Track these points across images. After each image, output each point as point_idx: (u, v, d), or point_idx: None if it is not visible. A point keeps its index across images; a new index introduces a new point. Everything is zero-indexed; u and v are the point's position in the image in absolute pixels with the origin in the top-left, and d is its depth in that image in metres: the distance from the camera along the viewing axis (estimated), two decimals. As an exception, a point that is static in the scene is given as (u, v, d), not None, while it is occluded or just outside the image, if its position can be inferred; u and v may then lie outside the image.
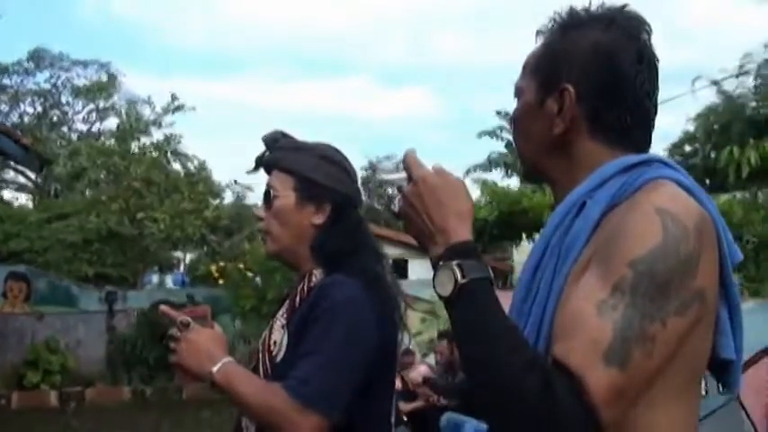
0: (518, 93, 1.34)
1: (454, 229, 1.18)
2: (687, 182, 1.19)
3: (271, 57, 55.78)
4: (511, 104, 1.35)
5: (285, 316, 1.87)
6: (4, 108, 29.00)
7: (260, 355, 1.86)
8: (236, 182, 16.71)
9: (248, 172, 2.00)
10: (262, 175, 2.02)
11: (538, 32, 1.33)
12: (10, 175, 26.55)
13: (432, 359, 8.34)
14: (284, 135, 1.99)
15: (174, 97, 15.70)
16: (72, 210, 15.69)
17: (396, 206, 1.26)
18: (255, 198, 17.82)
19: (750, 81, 21.15)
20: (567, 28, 1.29)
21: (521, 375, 1.01)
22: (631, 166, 1.19)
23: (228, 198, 18.38)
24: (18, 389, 10.50)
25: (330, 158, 1.96)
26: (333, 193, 1.91)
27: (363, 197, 2.09)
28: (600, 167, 1.21)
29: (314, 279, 1.87)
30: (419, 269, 17.99)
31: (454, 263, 1.13)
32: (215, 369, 1.69)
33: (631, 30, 1.26)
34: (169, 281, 22.38)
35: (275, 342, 1.83)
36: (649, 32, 1.27)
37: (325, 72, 56.22)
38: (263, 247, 2.02)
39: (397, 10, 53.12)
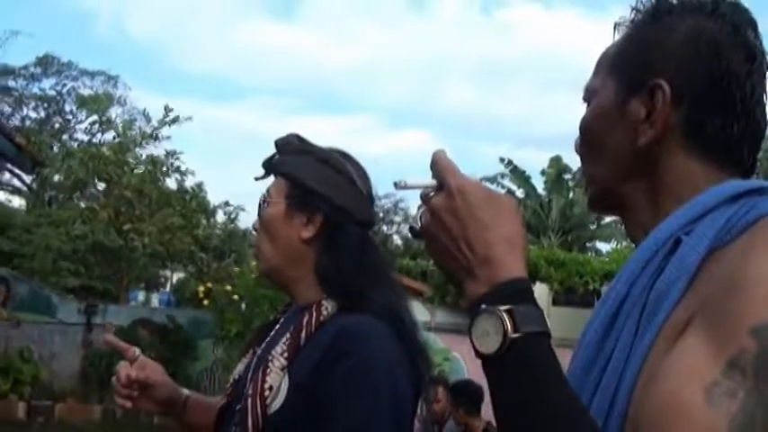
0: (590, 95, 1.05)
1: (503, 261, 0.86)
2: None
3: (278, 88, 56.37)
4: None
5: (286, 356, 1.52)
6: (7, 110, 28.87)
7: (250, 401, 1.51)
8: (227, 203, 16.34)
9: (257, 178, 1.72)
10: (259, 193, 1.74)
11: (616, 25, 1.05)
12: (6, 176, 26.34)
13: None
14: (299, 139, 1.69)
15: (167, 109, 15.25)
16: (64, 218, 15.36)
17: (417, 222, 0.93)
18: (249, 219, 17.66)
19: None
20: (660, 13, 1.01)
21: None
22: (740, 195, 0.90)
23: (221, 219, 18.03)
24: (-15, 396, 10.12)
25: (333, 163, 1.63)
26: (327, 203, 1.59)
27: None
28: (697, 194, 0.92)
29: (324, 313, 1.53)
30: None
31: (503, 308, 0.82)
32: None
33: (739, 21, 0.98)
34: (155, 299, 22.05)
35: (271, 387, 1.50)
36: (756, 29, 0.99)
37: (330, 108, 56.62)
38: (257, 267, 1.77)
39: (407, 54, 53.78)
